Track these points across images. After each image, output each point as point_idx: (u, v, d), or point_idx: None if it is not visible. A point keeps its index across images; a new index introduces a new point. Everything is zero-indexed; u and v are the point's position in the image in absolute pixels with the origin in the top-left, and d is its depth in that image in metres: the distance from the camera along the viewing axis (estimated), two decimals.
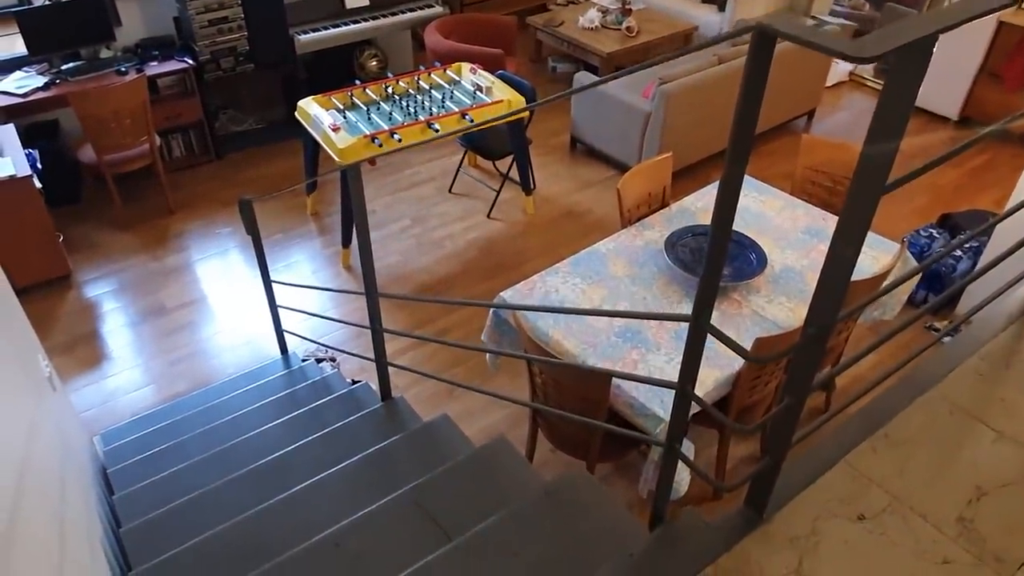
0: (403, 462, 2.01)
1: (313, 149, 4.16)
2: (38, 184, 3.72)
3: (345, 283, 3.98)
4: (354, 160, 3.66)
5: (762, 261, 2.77)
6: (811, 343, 1.02)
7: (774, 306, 2.68)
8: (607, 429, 1.75)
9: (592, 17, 5.83)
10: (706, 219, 3.11)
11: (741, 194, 3.28)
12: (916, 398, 1.45)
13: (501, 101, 3.94)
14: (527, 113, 4.05)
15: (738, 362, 2.45)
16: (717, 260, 1.04)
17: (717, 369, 2.43)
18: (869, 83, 5.85)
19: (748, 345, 2.42)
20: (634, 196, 3.15)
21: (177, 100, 4.72)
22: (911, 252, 3.65)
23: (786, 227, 3.08)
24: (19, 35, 4.28)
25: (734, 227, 1.08)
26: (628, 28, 5.71)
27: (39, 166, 4.01)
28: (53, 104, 4.28)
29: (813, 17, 6.17)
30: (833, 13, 6.25)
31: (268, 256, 4.15)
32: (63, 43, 4.41)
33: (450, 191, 4.66)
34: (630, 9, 5.94)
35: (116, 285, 4.00)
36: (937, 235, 3.65)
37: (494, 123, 3.95)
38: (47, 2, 4.34)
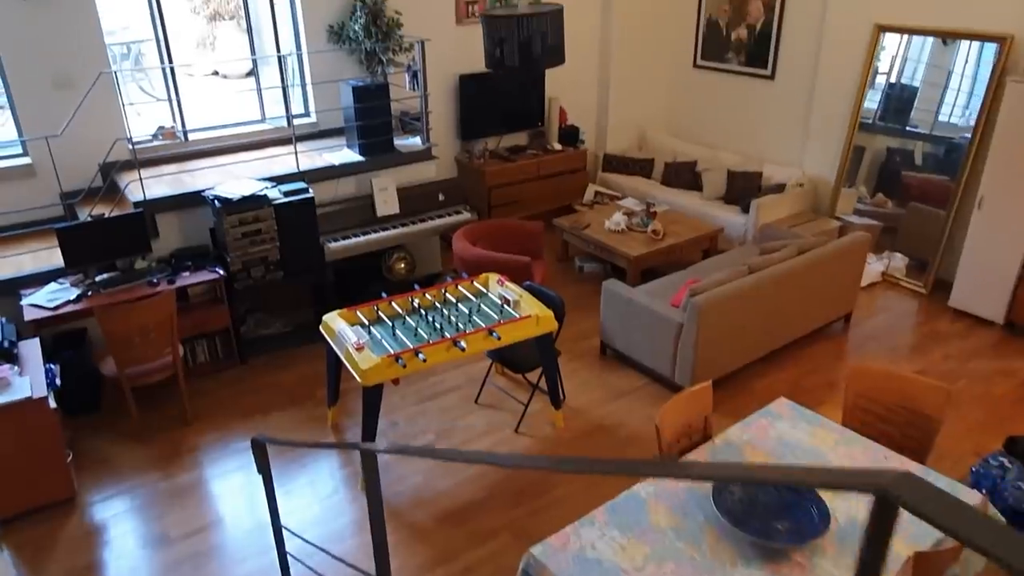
0: None
1: (336, 363, 4.06)
2: (53, 404, 3.62)
3: (364, 508, 3.71)
4: (376, 380, 3.54)
5: (824, 515, 2.48)
6: None
7: (843, 571, 2.35)
8: None
9: (618, 220, 5.92)
10: (754, 455, 2.87)
11: (790, 426, 3.05)
12: None
13: (529, 317, 3.86)
14: (555, 327, 3.95)
15: None
16: None
17: None
18: (903, 283, 5.76)
19: None
20: (673, 430, 2.94)
21: (206, 308, 4.73)
22: (982, 486, 3.33)
23: (845, 467, 2.81)
24: (58, 248, 4.39)
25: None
26: (654, 231, 5.77)
27: (58, 382, 3.93)
28: (83, 315, 4.29)
29: (838, 218, 6.22)
30: (857, 212, 6.30)
31: (284, 474, 3.93)
32: (100, 256, 4.50)
33: (476, 402, 4.48)
34: (655, 212, 6.05)
35: (122, 507, 3.76)
36: (1009, 464, 3.33)
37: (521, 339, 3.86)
38: (89, 218, 4.49)
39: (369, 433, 3.65)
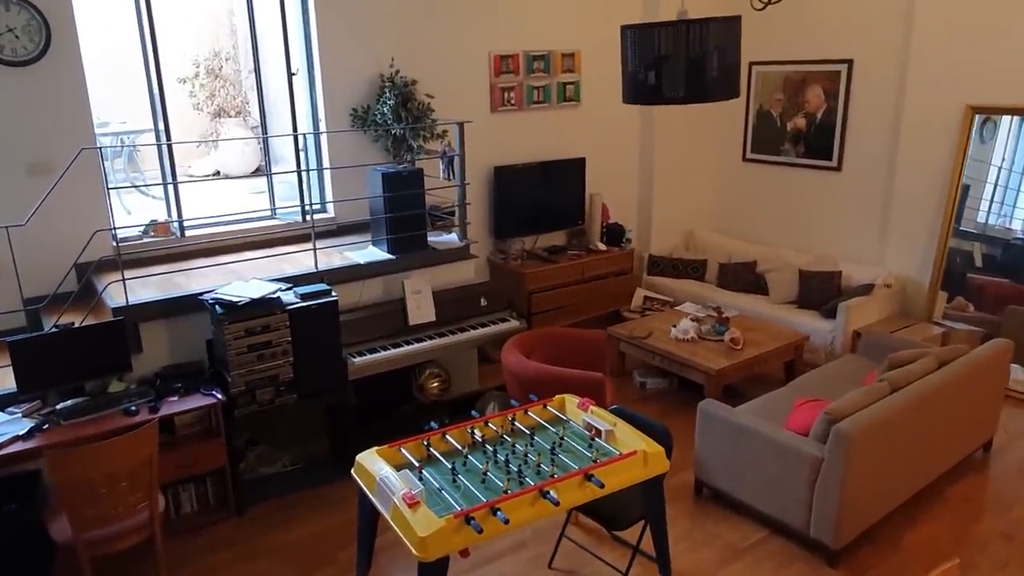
0: None
1: (371, 520, 3.02)
2: None
3: None
4: (441, 553, 2.51)
5: None
6: None
7: None
8: None
9: (686, 327, 5.05)
10: None
11: None
12: None
13: (635, 454, 2.88)
14: (667, 467, 2.97)
15: None
16: None
17: None
18: None
19: None
20: None
21: (196, 443, 3.71)
22: None
23: None
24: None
25: None
26: (733, 340, 4.88)
27: None
28: (36, 455, 3.27)
29: (937, 323, 5.38)
30: (948, 318, 5.47)
31: None
32: (64, 377, 3.54)
33: (550, 566, 3.40)
34: (727, 318, 5.19)
35: None
36: None
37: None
38: (54, 329, 3.55)
39: None
